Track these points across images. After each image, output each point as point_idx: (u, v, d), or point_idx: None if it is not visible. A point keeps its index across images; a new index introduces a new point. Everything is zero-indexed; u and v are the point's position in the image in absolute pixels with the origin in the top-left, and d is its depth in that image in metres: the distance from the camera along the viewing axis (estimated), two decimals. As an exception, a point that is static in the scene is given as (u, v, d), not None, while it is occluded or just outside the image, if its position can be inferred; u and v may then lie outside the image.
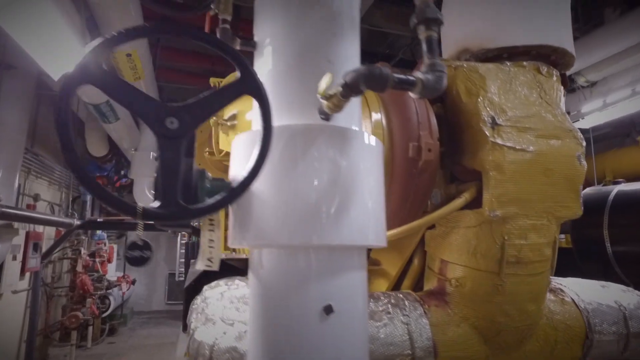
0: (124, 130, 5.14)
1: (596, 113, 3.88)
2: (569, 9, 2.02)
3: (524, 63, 1.86)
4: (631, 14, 3.26)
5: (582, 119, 4.02)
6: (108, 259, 8.63)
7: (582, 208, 1.58)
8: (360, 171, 1.06)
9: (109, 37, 0.81)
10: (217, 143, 2.57)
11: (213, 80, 3.07)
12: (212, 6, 1.25)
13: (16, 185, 4.59)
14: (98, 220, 7.82)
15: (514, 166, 1.47)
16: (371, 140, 1.11)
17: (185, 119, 0.83)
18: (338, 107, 0.99)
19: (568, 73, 2.11)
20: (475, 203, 1.56)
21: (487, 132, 1.47)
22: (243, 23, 5.81)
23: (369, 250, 1.98)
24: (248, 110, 1.96)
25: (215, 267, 1.08)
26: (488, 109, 1.50)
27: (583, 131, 2.35)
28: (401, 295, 1.64)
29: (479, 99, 1.52)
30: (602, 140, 6.45)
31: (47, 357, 7.85)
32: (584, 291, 1.92)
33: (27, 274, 6.14)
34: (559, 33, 1.93)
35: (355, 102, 1.16)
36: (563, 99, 1.93)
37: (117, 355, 8.34)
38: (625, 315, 1.86)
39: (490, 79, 1.59)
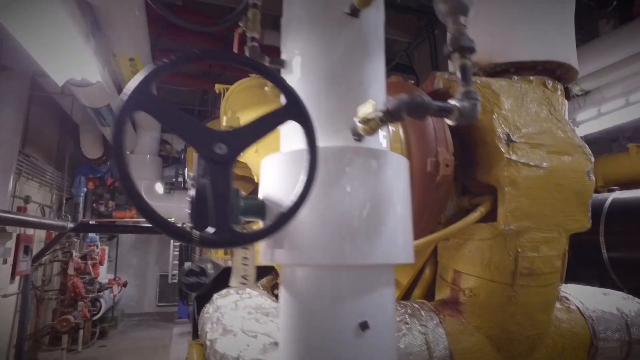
0: (121, 133, 5.09)
1: (591, 121, 3.99)
2: (573, 26, 2.09)
3: (531, 77, 1.92)
4: (625, 27, 3.37)
5: (577, 127, 4.14)
6: (100, 261, 8.52)
7: (590, 221, 1.64)
8: (392, 191, 1.09)
9: (160, 65, 0.83)
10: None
11: (218, 87, 3.09)
12: (240, 24, 1.27)
13: (10, 188, 4.52)
14: (91, 222, 7.71)
15: (528, 182, 1.52)
16: (401, 160, 1.15)
17: (232, 144, 0.85)
18: (373, 131, 1.02)
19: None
20: (488, 216, 1.61)
21: (502, 149, 1.52)
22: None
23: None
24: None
25: (250, 284, 1.10)
26: (503, 125, 1.55)
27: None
28: (417, 305, 1.68)
29: (494, 116, 1.57)
30: (590, 145, 6.62)
31: (37, 362, 7.72)
32: (587, 299, 1.99)
33: (17, 277, 6.04)
34: (564, 49, 2.00)
35: (384, 123, 1.19)
36: (567, 113, 2.00)
37: (109, 358, 8.24)
38: (627, 323, 1.94)
39: (503, 96, 1.64)
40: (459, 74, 0.99)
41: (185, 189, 8.01)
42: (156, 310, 12.70)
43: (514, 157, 1.52)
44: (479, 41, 2.32)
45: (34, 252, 6.23)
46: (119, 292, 9.62)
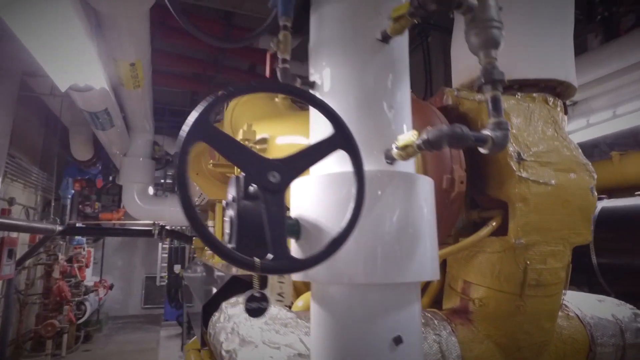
0: (115, 136, 5.02)
1: (581, 131, 4.16)
2: (572, 45, 2.19)
3: (534, 95, 2.01)
4: (612, 44, 3.54)
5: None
6: (86, 263, 8.35)
7: (592, 234, 1.74)
8: (423, 212, 1.15)
9: (218, 96, 0.86)
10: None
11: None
12: (271, 44, 1.31)
13: (-1, 190, 4.41)
14: (79, 225, 7.55)
15: (537, 198, 1.60)
16: (429, 182, 1.21)
17: (285, 172, 0.89)
18: (409, 157, 1.08)
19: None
20: (496, 229, 1.69)
21: (514, 167, 1.60)
22: (236, 30, 5.82)
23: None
24: (278, 135, 2.02)
25: (287, 302, 1.14)
26: (514, 144, 1.63)
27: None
28: (429, 315, 1.75)
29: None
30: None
31: (20, 368, 7.53)
32: (584, 306, 2.10)
33: (0, 282, 5.88)
34: (565, 68, 2.10)
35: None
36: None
37: (95, 363, 8.10)
38: (621, 328, 2.06)
39: (513, 115, 1.72)
40: (490, 105, 1.06)
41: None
42: (142, 313, 12.52)
43: (524, 174, 1.60)
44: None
45: (18, 256, 6.07)
46: (105, 295, 9.45)
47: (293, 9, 1.32)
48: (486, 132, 1.02)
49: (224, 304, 2.40)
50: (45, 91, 5.30)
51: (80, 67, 2.66)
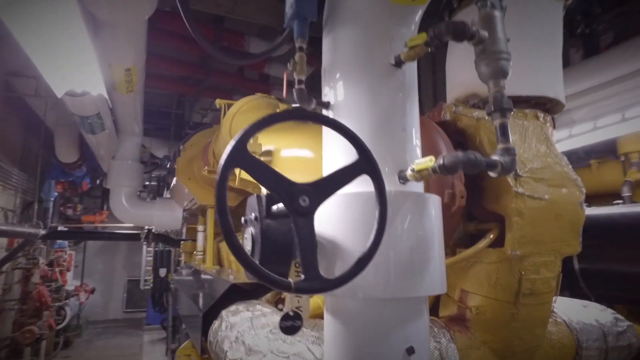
0: (105, 139, 4.95)
1: (563, 142, 4.35)
2: (561, 64, 2.32)
3: (526, 111, 2.12)
4: (593, 59, 3.73)
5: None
6: (67, 267, 8.14)
7: (581, 246, 1.85)
8: (434, 230, 1.22)
9: (252, 125, 0.91)
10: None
11: (220, 102, 3.12)
12: (288, 65, 1.36)
13: (-19, 194, 4.28)
14: (62, 229, 7.36)
15: (532, 212, 1.70)
16: (438, 201, 1.28)
17: (314, 196, 0.94)
18: (422, 179, 1.15)
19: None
20: (493, 241, 1.79)
21: (511, 182, 1.69)
22: (226, 34, 5.81)
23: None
24: (283, 147, 2.07)
25: (305, 315, 1.19)
26: (511, 161, 1.72)
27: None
28: (429, 322, 1.83)
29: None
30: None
31: (-4, 377, 7.29)
32: (570, 312, 2.22)
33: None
34: (555, 86, 2.22)
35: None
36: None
37: (75, 370, 7.91)
38: (604, 332, 2.18)
39: (510, 133, 1.82)
40: (499, 132, 1.13)
41: (160, 195, 7.85)
42: (123, 317, 12.28)
43: (520, 190, 1.70)
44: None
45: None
46: (86, 299, 9.23)
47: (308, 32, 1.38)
48: (495, 157, 1.10)
49: (223, 312, 2.43)
50: (29, 92, 5.17)
51: (79, 72, 2.62)
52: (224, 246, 4.17)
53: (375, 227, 0.97)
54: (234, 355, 1.85)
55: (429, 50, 1.19)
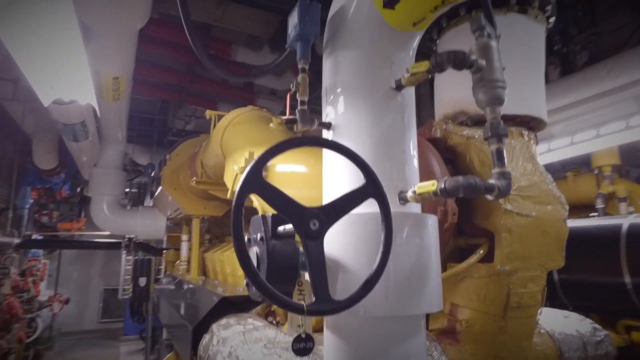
0: (87, 146, 4.83)
1: (543, 155, 4.53)
2: (544, 84, 2.43)
3: (512, 129, 2.21)
4: (570, 77, 3.91)
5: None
6: (41, 277, 7.84)
7: (564, 260, 1.94)
8: (432, 250, 1.27)
9: (266, 152, 0.93)
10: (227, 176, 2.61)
11: (210, 113, 3.12)
12: (291, 86, 1.38)
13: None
14: (37, 237, 7.09)
15: (520, 229, 1.77)
16: (435, 220, 1.33)
17: (323, 220, 0.97)
18: (423, 201, 1.19)
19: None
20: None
21: (500, 200, 1.76)
22: (214, 42, 5.80)
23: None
24: (278, 163, 2.08)
25: (308, 332, 1.21)
26: (500, 179, 1.79)
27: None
28: (421, 337, 1.87)
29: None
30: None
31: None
32: (553, 323, 2.31)
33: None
34: (538, 105, 2.32)
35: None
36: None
37: (47, 385, 7.59)
38: (584, 342, 2.28)
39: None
40: (495, 157, 1.19)
41: (141, 202, 7.68)
42: (98, 327, 11.87)
43: (508, 207, 1.77)
44: (467, 93, 2.60)
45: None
46: (60, 310, 8.89)
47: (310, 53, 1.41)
48: (492, 181, 1.15)
49: (214, 326, 2.40)
50: (6, 96, 5.00)
51: (68, 80, 2.57)
52: (209, 257, 4.13)
53: (381, 249, 1.00)
54: (228, 371, 1.84)
55: (429, 76, 1.24)
